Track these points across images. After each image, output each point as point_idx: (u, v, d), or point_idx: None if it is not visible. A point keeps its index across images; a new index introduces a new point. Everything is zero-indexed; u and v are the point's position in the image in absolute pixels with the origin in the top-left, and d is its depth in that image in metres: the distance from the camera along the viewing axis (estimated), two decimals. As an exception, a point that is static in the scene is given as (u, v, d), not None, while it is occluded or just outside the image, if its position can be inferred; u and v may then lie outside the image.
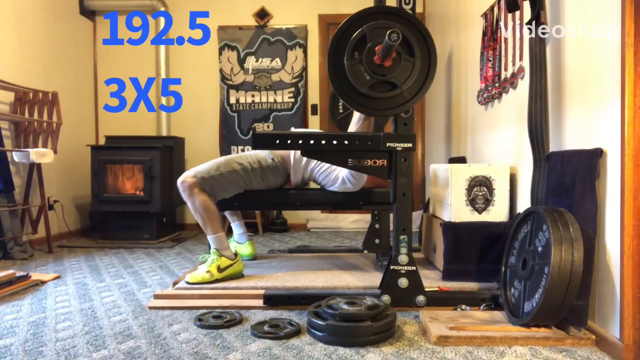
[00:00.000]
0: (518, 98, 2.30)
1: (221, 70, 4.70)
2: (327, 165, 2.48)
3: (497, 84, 2.54)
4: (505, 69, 2.46)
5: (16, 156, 3.31)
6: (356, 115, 2.35)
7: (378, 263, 2.70)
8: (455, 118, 3.46)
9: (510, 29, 2.40)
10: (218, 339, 1.69)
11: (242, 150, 4.65)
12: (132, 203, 3.86)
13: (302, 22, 4.68)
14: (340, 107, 2.97)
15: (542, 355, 1.53)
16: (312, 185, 2.67)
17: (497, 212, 2.29)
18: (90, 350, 1.60)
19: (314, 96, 4.72)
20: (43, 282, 2.55)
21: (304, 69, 4.67)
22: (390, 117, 2.00)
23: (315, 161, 2.51)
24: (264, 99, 4.70)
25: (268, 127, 4.69)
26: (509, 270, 1.90)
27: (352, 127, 2.37)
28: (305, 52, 4.67)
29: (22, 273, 2.49)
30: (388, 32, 1.68)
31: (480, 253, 2.22)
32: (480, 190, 2.29)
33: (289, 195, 2.50)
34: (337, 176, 2.43)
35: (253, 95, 4.70)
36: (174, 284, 2.34)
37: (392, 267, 1.97)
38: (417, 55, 1.83)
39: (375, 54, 1.78)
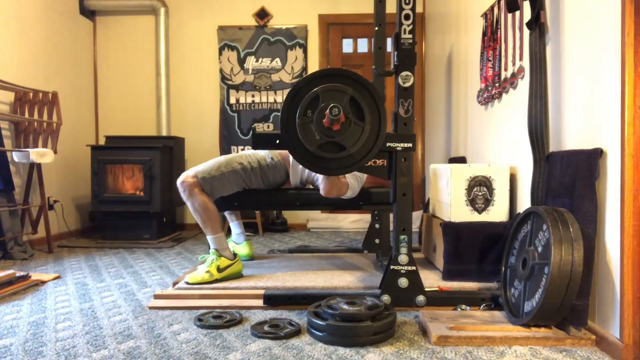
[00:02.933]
0: (518, 98, 2.30)
1: (221, 70, 4.70)
2: None
3: (497, 84, 2.54)
4: (505, 69, 2.46)
5: (16, 156, 3.31)
6: None
7: (378, 263, 2.70)
8: (455, 118, 3.46)
9: (510, 29, 2.40)
10: (218, 339, 1.69)
11: (242, 151, 4.64)
12: (132, 203, 3.86)
13: (302, 22, 4.68)
14: None
15: (542, 355, 1.53)
16: (311, 186, 2.67)
17: (497, 212, 2.29)
18: (90, 350, 1.60)
19: (314, 96, 4.71)
20: (43, 282, 2.55)
21: (304, 69, 4.67)
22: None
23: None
24: (264, 99, 4.70)
25: (268, 127, 4.69)
26: (509, 270, 1.90)
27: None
28: (305, 52, 4.67)
29: (22, 273, 2.49)
30: (330, 106, 1.74)
31: (480, 253, 2.22)
32: (480, 190, 2.29)
33: (289, 195, 2.51)
34: None
35: (253, 95, 4.70)
36: (174, 284, 2.34)
37: (392, 267, 1.97)
38: (366, 120, 1.87)
39: (325, 117, 1.82)
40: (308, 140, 1.86)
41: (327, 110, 1.77)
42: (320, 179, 2.35)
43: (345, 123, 1.84)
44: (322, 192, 2.33)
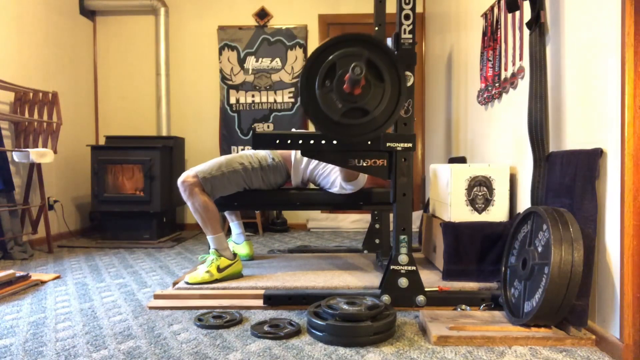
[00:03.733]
0: (518, 98, 2.30)
1: (221, 70, 4.70)
2: (328, 168, 2.49)
3: (497, 84, 2.54)
4: (505, 69, 2.46)
5: (16, 156, 3.31)
6: None
7: (378, 263, 2.70)
8: (455, 118, 3.46)
9: (510, 29, 2.40)
10: (218, 339, 1.69)
11: (242, 150, 4.64)
12: (132, 203, 3.86)
13: (302, 22, 4.68)
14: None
15: (542, 355, 1.53)
16: (312, 185, 2.67)
17: (497, 212, 2.29)
18: (90, 350, 1.60)
19: (314, 96, 4.71)
20: (43, 282, 2.55)
21: (304, 69, 4.66)
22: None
23: (315, 163, 2.51)
24: (264, 99, 4.70)
25: (268, 127, 4.69)
26: (509, 270, 1.90)
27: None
28: (305, 52, 4.67)
29: (22, 273, 2.49)
30: (352, 65, 1.70)
31: (480, 253, 2.22)
32: (480, 190, 2.29)
33: (289, 195, 2.51)
34: (335, 180, 2.43)
35: (253, 95, 4.70)
36: (174, 284, 2.34)
37: (392, 267, 1.97)
38: (386, 81, 1.84)
39: (344, 83, 1.79)
40: (331, 110, 1.83)
41: (349, 70, 1.70)
42: (330, 166, 2.35)
43: (366, 86, 1.81)
44: (342, 179, 2.34)
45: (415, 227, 3.77)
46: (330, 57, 1.81)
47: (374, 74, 1.83)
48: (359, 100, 1.82)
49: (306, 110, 1.87)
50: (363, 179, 2.41)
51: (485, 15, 2.71)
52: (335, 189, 2.44)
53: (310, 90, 1.84)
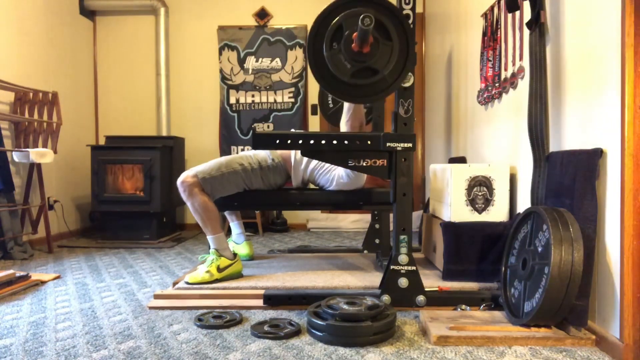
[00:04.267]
0: (518, 98, 2.30)
1: (221, 70, 4.70)
2: (327, 168, 2.49)
3: (497, 84, 2.54)
4: (505, 69, 2.46)
5: (16, 156, 3.31)
6: (345, 106, 2.36)
7: (378, 263, 2.70)
8: (455, 118, 3.46)
9: (510, 29, 2.40)
10: (218, 339, 1.69)
11: (242, 151, 4.65)
12: (132, 203, 3.86)
13: (302, 22, 4.68)
14: (330, 101, 2.96)
15: (542, 355, 1.53)
16: (312, 185, 2.67)
17: (497, 212, 2.29)
18: (90, 350, 1.60)
19: (314, 96, 4.71)
20: (43, 282, 2.55)
21: (304, 69, 4.67)
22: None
23: (315, 163, 2.51)
24: (264, 99, 4.70)
25: (268, 127, 4.69)
26: (509, 270, 1.90)
27: (344, 119, 2.38)
28: (305, 52, 4.66)
29: (22, 273, 2.49)
30: (361, 17, 1.68)
31: (480, 253, 2.22)
32: (480, 190, 2.29)
33: (289, 195, 2.51)
34: (334, 175, 2.43)
35: (253, 95, 4.70)
36: (174, 284, 2.34)
37: (392, 267, 1.97)
38: (394, 39, 1.83)
39: (353, 42, 1.78)
40: (340, 71, 1.82)
41: (359, 21, 1.68)
42: (345, 114, 2.35)
43: (374, 45, 1.80)
44: (347, 127, 2.34)
45: (415, 227, 3.77)
46: (337, 19, 1.80)
47: (382, 32, 1.82)
48: (368, 59, 1.81)
49: (315, 75, 1.86)
50: (362, 176, 2.41)
51: (485, 15, 2.71)
52: (334, 185, 2.44)
53: (318, 54, 1.83)
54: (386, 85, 1.88)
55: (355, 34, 1.75)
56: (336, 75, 1.83)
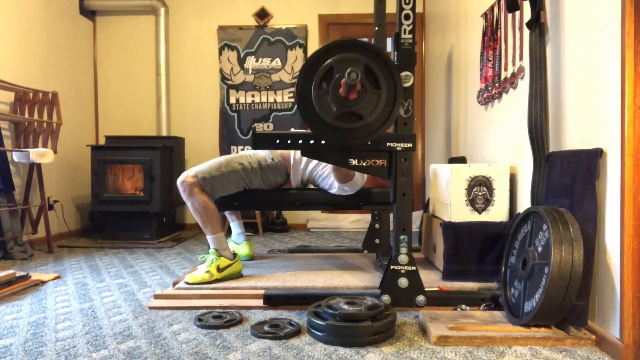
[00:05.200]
0: (518, 98, 2.30)
1: (221, 70, 4.70)
2: (327, 169, 2.48)
3: (497, 84, 2.54)
4: (505, 69, 2.46)
5: (16, 156, 3.31)
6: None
7: (378, 263, 2.70)
8: (455, 118, 3.46)
9: (510, 29, 2.40)
10: (218, 339, 1.69)
11: (242, 150, 4.64)
12: (132, 203, 3.86)
13: (302, 22, 4.68)
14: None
15: (542, 355, 1.53)
16: (312, 186, 2.67)
17: (497, 212, 2.29)
18: (90, 350, 1.60)
19: (314, 96, 4.71)
20: (43, 282, 2.55)
21: (304, 69, 4.66)
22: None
23: (315, 163, 2.51)
24: (264, 99, 4.70)
25: (268, 127, 4.69)
26: (509, 270, 1.90)
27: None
28: (305, 52, 4.67)
29: (22, 273, 2.49)
30: (348, 70, 1.72)
31: (480, 253, 2.22)
32: (480, 190, 2.29)
33: (289, 195, 2.50)
34: (335, 181, 2.43)
35: (253, 95, 4.70)
36: (174, 284, 2.34)
37: (392, 267, 1.97)
38: (382, 88, 1.85)
39: (340, 87, 1.80)
40: (325, 112, 1.84)
41: (345, 75, 1.72)
42: (328, 169, 2.34)
43: (362, 92, 1.82)
44: (335, 178, 2.33)
45: (415, 227, 3.77)
46: (329, 61, 1.82)
47: (371, 80, 1.85)
48: (354, 104, 1.84)
49: (301, 111, 1.88)
50: (361, 179, 2.41)
51: (485, 15, 2.71)
52: (334, 190, 2.44)
53: (307, 91, 1.85)
54: (370, 130, 1.90)
55: (343, 80, 1.77)
56: (321, 115, 1.85)
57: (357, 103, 1.83)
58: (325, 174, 2.49)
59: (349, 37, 4.78)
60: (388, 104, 1.88)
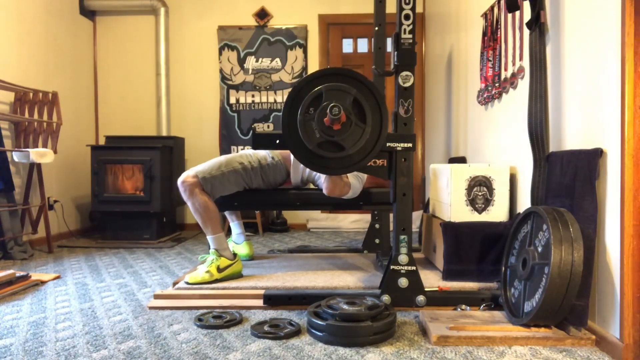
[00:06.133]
0: (518, 98, 2.30)
1: (221, 70, 4.70)
2: None
3: (497, 84, 2.54)
4: (505, 69, 2.46)
5: (16, 156, 3.31)
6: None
7: (378, 263, 2.70)
8: (455, 118, 3.46)
9: (510, 29, 2.40)
10: (218, 339, 1.69)
11: (242, 150, 4.64)
12: (132, 203, 3.86)
13: (302, 22, 4.68)
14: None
15: (542, 355, 1.53)
16: (312, 185, 2.67)
17: (497, 212, 2.29)
18: (90, 350, 1.60)
19: (314, 96, 4.71)
20: (43, 282, 2.55)
21: (304, 69, 4.67)
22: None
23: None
24: (264, 99, 4.70)
25: (268, 127, 4.69)
26: (509, 270, 1.90)
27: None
28: (305, 52, 4.67)
29: (22, 273, 2.49)
30: (330, 105, 1.74)
31: (480, 253, 2.22)
32: (480, 190, 2.29)
33: (289, 195, 2.50)
34: None
35: (253, 95, 4.70)
36: (174, 284, 2.34)
37: (392, 267, 1.97)
38: (368, 122, 1.87)
39: (326, 115, 1.82)
40: (308, 138, 1.86)
41: (328, 109, 1.76)
42: (322, 178, 2.35)
43: (347, 123, 1.84)
44: (324, 191, 2.34)
45: (415, 227, 3.77)
46: (319, 87, 1.85)
47: (358, 112, 1.86)
48: (337, 135, 1.85)
49: (284, 131, 1.89)
50: (359, 186, 2.40)
51: (485, 15, 2.71)
52: None
53: (293, 114, 1.87)
54: (351, 162, 1.91)
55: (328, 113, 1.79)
56: (304, 140, 1.86)
57: (341, 134, 1.85)
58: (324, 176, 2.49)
59: (348, 37, 4.78)
60: (372, 137, 1.90)
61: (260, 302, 2.05)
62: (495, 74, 2.58)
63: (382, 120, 1.88)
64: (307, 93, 1.85)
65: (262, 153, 2.53)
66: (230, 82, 4.70)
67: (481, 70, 2.75)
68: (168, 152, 4.04)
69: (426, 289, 1.99)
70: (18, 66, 3.56)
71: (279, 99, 4.68)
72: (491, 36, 2.62)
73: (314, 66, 4.70)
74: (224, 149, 4.70)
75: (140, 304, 2.14)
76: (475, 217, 2.29)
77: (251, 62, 4.69)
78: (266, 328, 1.74)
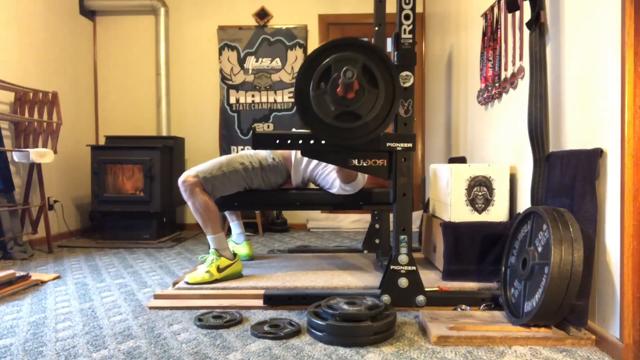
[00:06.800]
0: (518, 98, 2.30)
1: (221, 70, 4.70)
2: (328, 168, 2.49)
3: (497, 84, 2.54)
4: (505, 69, 2.46)
5: (16, 156, 3.31)
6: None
7: (378, 263, 2.70)
8: (455, 118, 3.46)
9: (510, 29, 2.40)
10: (218, 339, 1.69)
11: (242, 150, 4.64)
12: (132, 203, 3.86)
13: (302, 22, 4.68)
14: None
15: (542, 355, 1.53)
16: (312, 185, 2.67)
17: (497, 212, 2.29)
18: (90, 350, 1.60)
19: (314, 96, 4.71)
20: (43, 282, 2.55)
21: (304, 69, 4.66)
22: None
23: (315, 163, 2.51)
24: (264, 99, 4.70)
25: (268, 127, 4.69)
26: (509, 270, 1.90)
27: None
28: (305, 52, 4.66)
29: (22, 273, 2.49)
30: (343, 69, 1.72)
31: (480, 253, 2.22)
32: (480, 190, 2.29)
33: (289, 195, 2.50)
34: (335, 180, 2.43)
35: (253, 95, 4.70)
36: (174, 284, 2.34)
37: (392, 267, 1.97)
38: (380, 87, 1.85)
39: (338, 86, 1.81)
40: (323, 112, 1.85)
41: (341, 75, 1.72)
42: (330, 173, 2.33)
43: (359, 91, 1.82)
44: (340, 180, 2.33)
45: (415, 227, 3.77)
46: (327, 60, 1.82)
47: (369, 79, 1.85)
48: (352, 104, 1.83)
49: (299, 110, 1.88)
50: (362, 179, 2.41)
51: (485, 15, 2.71)
52: (334, 190, 2.44)
53: (305, 92, 1.85)
54: (368, 130, 1.90)
55: (341, 79, 1.77)
56: (319, 115, 1.85)
57: (355, 102, 1.83)
58: (325, 173, 2.49)
59: (348, 36, 4.78)
60: (386, 103, 1.88)
61: (260, 302, 2.05)
62: (495, 74, 2.58)
63: (393, 84, 1.87)
64: (316, 68, 1.83)
65: (263, 154, 2.53)
66: (230, 82, 4.70)
67: (481, 70, 2.75)
68: (168, 152, 4.04)
69: (426, 289, 1.99)
70: (18, 66, 3.56)
71: (279, 99, 4.69)
72: (491, 36, 2.62)
73: (314, 66, 4.69)
74: (224, 149, 4.70)
75: (140, 304, 2.14)
76: (475, 217, 2.29)
77: (251, 62, 4.69)
78: (266, 328, 1.74)
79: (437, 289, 2.11)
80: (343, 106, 1.83)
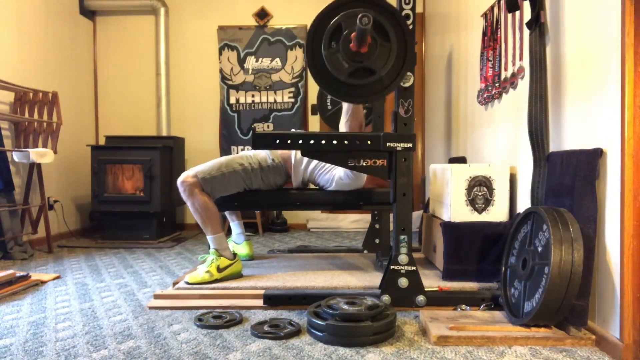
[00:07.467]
0: (518, 98, 2.30)
1: (221, 70, 4.71)
2: (327, 167, 2.49)
3: (497, 84, 2.54)
4: (505, 69, 2.46)
5: (16, 156, 3.31)
6: (344, 106, 2.34)
7: (378, 263, 2.70)
8: (455, 118, 3.46)
9: (510, 29, 2.40)
10: (218, 339, 1.69)
11: (242, 150, 4.64)
12: (132, 203, 3.86)
13: (302, 22, 4.68)
14: (329, 103, 2.96)
15: (542, 355, 1.53)
16: (312, 185, 2.67)
17: (497, 212, 2.29)
18: (90, 350, 1.60)
19: (313, 96, 4.71)
20: (43, 282, 2.55)
21: (304, 69, 4.67)
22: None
23: (315, 163, 2.51)
24: (264, 99, 4.70)
25: (268, 127, 4.69)
26: (509, 270, 1.90)
27: (343, 119, 2.36)
28: (304, 50, 4.66)
29: (22, 273, 2.49)
30: (359, 16, 1.69)
31: (480, 253, 2.22)
32: (480, 190, 2.29)
33: (289, 195, 2.50)
34: (334, 176, 2.43)
35: (253, 95, 4.71)
36: (174, 284, 2.34)
37: (392, 267, 1.97)
38: (392, 40, 1.84)
39: (351, 42, 1.79)
40: (337, 71, 1.83)
41: (357, 20, 1.69)
42: (344, 115, 2.32)
43: (372, 45, 1.81)
44: (346, 128, 2.31)
45: (415, 227, 3.77)
46: (336, 18, 1.81)
47: (380, 33, 1.83)
48: (365, 59, 1.82)
49: (312, 72, 1.87)
50: (363, 176, 2.41)
51: (485, 15, 2.71)
52: (333, 186, 2.44)
53: (316, 53, 1.84)
54: (383, 86, 1.89)
55: (353, 34, 1.76)
56: (333, 74, 1.84)
57: (369, 57, 1.82)
58: (325, 171, 2.49)
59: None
60: (399, 56, 1.87)
61: (260, 302, 2.05)
62: (495, 74, 2.58)
63: (405, 37, 1.86)
64: (326, 27, 1.82)
65: (263, 154, 2.53)
66: (230, 82, 4.70)
67: (481, 70, 2.75)
68: (168, 152, 4.04)
69: (426, 289, 1.99)
70: (18, 66, 3.56)
71: (279, 99, 4.69)
72: (491, 36, 2.62)
73: (314, 66, 4.69)
74: (224, 149, 4.70)
75: (140, 304, 2.14)
76: (475, 217, 2.29)
77: (251, 62, 4.69)
78: (266, 328, 1.74)
79: (437, 289, 2.11)
80: (357, 62, 1.82)
